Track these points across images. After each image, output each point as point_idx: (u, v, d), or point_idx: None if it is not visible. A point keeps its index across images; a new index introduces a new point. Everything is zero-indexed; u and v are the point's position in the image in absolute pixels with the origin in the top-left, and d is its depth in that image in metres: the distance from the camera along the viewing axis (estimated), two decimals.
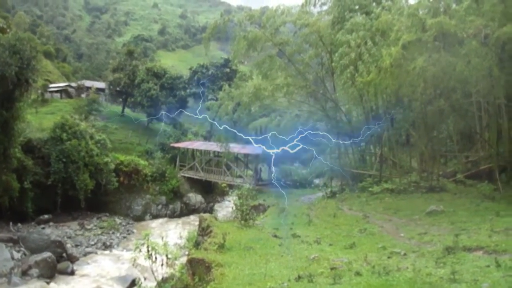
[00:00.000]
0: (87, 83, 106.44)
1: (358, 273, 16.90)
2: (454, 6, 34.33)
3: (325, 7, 51.75)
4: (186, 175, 70.98)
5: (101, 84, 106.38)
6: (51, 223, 53.38)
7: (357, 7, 47.53)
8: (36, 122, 63.42)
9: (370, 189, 43.25)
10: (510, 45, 29.12)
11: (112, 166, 60.31)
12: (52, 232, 49.31)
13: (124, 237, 53.71)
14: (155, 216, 64.41)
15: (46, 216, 53.98)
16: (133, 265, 26.14)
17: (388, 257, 19.69)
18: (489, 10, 29.63)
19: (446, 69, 31.26)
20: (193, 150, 74.05)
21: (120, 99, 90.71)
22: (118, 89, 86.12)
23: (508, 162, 39.72)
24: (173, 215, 65.71)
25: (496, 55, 30.18)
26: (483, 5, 30.27)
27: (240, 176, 65.00)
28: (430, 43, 32.07)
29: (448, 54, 31.39)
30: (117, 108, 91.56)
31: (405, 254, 19.84)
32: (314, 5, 51.31)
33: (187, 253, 28.04)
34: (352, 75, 39.65)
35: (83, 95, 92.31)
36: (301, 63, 51.64)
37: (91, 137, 59.02)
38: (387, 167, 47.80)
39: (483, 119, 44.82)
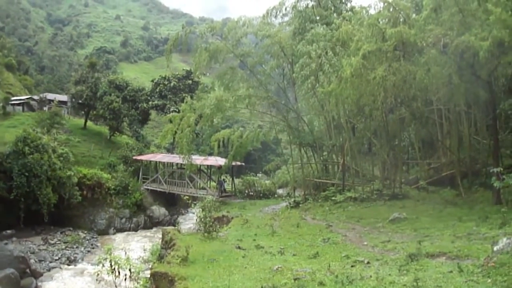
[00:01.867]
0: (50, 96, 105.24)
1: (321, 283, 16.88)
2: (413, 15, 34.61)
3: (286, 18, 52.28)
4: (150, 187, 70.63)
5: (63, 97, 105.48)
6: (14, 239, 52.43)
7: (317, 18, 47.94)
8: None
9: (333, 198, 43.46)
10: (469, 54, 29.39)
11: (75, 179, 59.47)
12: (15, 247, 48.46)
13: (88, 251, 53.05)
14: (119, 230, 63.74)
15: (8, 231, 53.06)
16: (96, 280, 25.95)
17: (352, 266, 19.71)
18: (448, 20, 29.87)
19: (406, 77, 31.52)
20: (156, 162, 73.95)
21: (83, 112, 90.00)
22: (80, 101, 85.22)
23: (469, 168, 40.33)
24: (137, 228, 65.15)
25: (455, 63, 30.44)
26: (442, 15, 30.50)
27: (203, 188, 64.81)
28: (390, 52, 32.26)
29: (408, 63, 31.65)
30: (80, 121, 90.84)
31: (368, 263, 19.88)
32: (275, 16, 51.67)
33: (150, 266, 27.87)
34: (313, 86, 39.90)
35: (45, 108, 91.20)
36: (263, 74, 51.95)
37: (54, 151, 58.25)
38: (349, 176, 48.03)
39: (444, 126, 45.41)
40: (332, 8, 50.19)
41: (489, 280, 14.48)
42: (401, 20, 33.12)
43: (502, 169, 28.98)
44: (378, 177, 47.71)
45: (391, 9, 33.65)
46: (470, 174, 40.13)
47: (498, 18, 25.57)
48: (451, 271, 16.17)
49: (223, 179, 66.78)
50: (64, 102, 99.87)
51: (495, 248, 17.09)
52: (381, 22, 34.09)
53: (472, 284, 14.42)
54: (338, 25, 40.00)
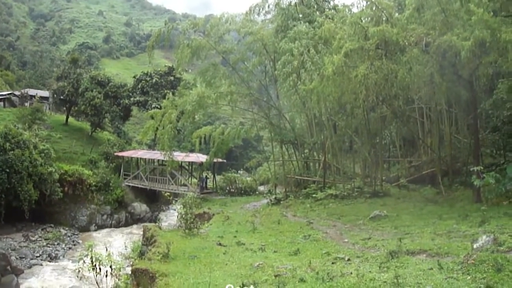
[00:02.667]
0: (31, 91, 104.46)
1: (302, 280, 16.91)
2: (396, 14, 34.72)
3: (269, 16, 52.40)
4: (131, 184, 70.27)
5: (45, 93, 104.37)
6: None
7: (300, 15, 48.06)
8: None
9: (314, 195, 43.64)
10: (451, 53, 29.54)
11: (56, 176, 58.64)
12: None
13: (70, 248, 52.62)
14: (100, 226, 63.39)
15: None
16: (77, 276, 25.80)
17: (332, 263, 19.75)
18: (430, 19, 30.04)
19: (388, 76, 31.55)
20: (137, 159, 73.58)
21: (64, 108, 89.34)
22: (62, 97, 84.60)
23: (450, 166, 40.64)
24: (118, 225, 64.82)
25: (437, 62, 30.58)
26: (424, 14, 30.66)
27: (184, 185, 64.74)
28: (372, 51, 32.29)
29: (390, 61, 31.67)
30: (61, 117, 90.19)
31: (349, 260, 19.94)
32: (258, 14, 51.80)
33: (131, 263, 27.81)
34: (294, 83, 39.91)
35: (27, 104, 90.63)
36: (245, 71, 51.97)
37: (35, 147, 57.52)
38: (330, 173, 48.25)
39: (425, 125, 45.70)
40: (315, 6, 50.34)
41: (469, 277, 14.56)
42: (383, 19, 33.20)
43: (482, 167, 29.23)
44: (359, 174, 47.97)
45: (374, 8, 33.72)
46: (450, 173, 40.44)
47: (480, 19, 25.75)
48: (431, 268, 16.23)
49: (206, 176, 66.72)
50: (46, 98, 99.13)
51: (475, 246, 17.23)
52: (363, 21, 34.21)
53: (452, 281, 14.49)
54: (321, 23, 40.16)
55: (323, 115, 48.03)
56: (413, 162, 49.04)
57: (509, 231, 20.34)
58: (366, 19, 34.45)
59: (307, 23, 44.77)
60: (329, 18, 40.27)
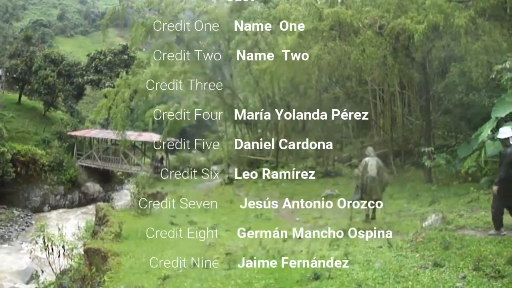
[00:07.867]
0: None
1: (252, 258, 17.06)
2: None
3: None
4: (84, 164, 69.76)
5: None
6: None
7: None
8: None
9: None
10: (404, 36, 29.85)
11: (9, 156, 57.88)
12: None
13: (23, 229, 52.37)
14: (53, 207, 63.01)
15: None
16: (30, 257, 25.71)
17: (283, 241, 19.94)
18: (385, 2, 30.27)
19: (341, 57, 31.79)
20: (90, 138, 72.97)
21: (17, 87, 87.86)
22: (14, 76, 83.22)
23: (401, 147, 41.09)
24: (71, 205, 64.51)
25: (390, 44, 30.84)
26: None
27: (137, 164, 64.51)
28: (326, 32, 32.45)
29: (343, 43, 31.90)
30: (14, 96, 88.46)
31: (300, 238, 20.13)
32: None
33: (83, 243, 27.74)
34: (248, 63, 39.97)
35: None
36: (199, 50, 51.73)
37: None
38: (283, 153, 48.32)
39: (378, 106, 46.03)
40: None
41: (417, 255, 14.87)
42: (338, 0, 33.35)
43: (433, 149, 29.75)
44: (311, 154, 48.20)
45: None
46: (402, 153, 40.92)
47: (434, 3, 26.18)
48: (381, 246, 16.50)
49: (161, 157, 66.46)
50: None
51: (424, 224, 17.61)
52: (318, 2, 34.35)
53: (401, 258, 14.78)
54: (276, 3, 40.19)
55: (277, 95, 48.21)
56: (365, 143, 49.36)
57: (458, 210, 20.79)
58: (321, 0, 34.57)
59: (262, 3, 44.86)
60: None
